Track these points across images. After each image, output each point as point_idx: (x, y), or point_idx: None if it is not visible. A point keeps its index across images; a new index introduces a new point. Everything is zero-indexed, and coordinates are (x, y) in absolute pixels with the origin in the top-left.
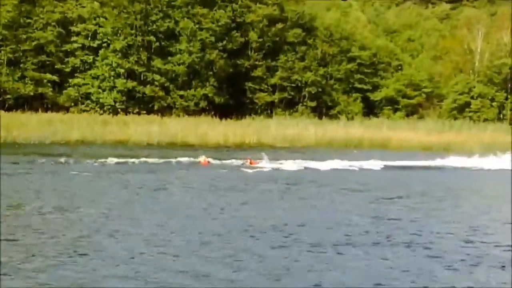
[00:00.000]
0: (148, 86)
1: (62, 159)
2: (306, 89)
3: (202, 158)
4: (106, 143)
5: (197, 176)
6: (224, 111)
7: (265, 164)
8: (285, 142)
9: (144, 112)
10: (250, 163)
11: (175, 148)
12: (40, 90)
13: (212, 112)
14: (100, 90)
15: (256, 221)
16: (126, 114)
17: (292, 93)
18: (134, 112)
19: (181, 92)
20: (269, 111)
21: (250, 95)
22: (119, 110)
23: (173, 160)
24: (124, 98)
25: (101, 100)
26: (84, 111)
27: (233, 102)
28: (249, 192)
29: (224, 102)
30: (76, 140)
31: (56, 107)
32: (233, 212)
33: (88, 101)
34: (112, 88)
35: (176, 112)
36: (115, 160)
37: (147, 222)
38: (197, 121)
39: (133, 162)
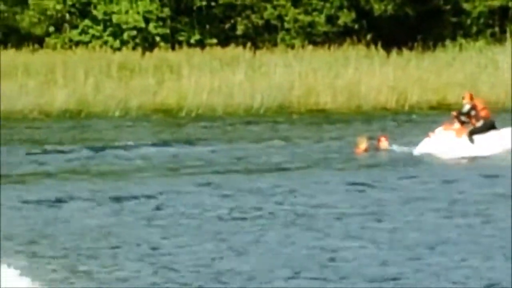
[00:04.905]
0: None
1: None
2: None
3: (363, 143)
4: (127, 113)
5: None
6: (392, 36)
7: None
8: None
9: (213, 41)
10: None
11: (280, 119)
12: None
13: (367, 37)
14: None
15: None
16: (173, 48)
17: None
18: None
19: None
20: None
21: None
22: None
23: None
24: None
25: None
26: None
27: (415, 15)
28: None
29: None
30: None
31: None
32: None
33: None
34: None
35: (288, 39)
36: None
37: None
38: (334, 57)
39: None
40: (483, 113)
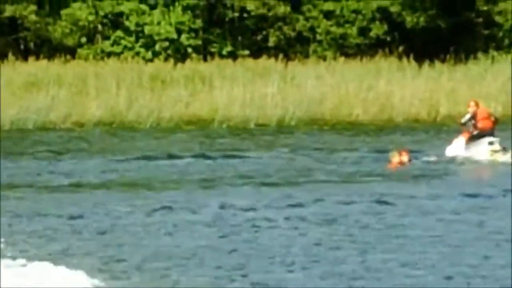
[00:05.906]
0: None
1: None
2: None
3: (395, 157)
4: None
5: None
6: (424, 48)
7: None
8: None
9: (245, 52)
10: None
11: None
12: None
13: (399, 49)
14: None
15: None
16: (205, 59)
17: None
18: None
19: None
20: None
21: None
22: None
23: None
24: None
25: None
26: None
27: (447, 27)
28: None
29: (427, 26)
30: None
31: None
32: None
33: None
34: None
35: (320, 51)
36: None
37: None
38: (366, 70)
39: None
40: (480, 124)
